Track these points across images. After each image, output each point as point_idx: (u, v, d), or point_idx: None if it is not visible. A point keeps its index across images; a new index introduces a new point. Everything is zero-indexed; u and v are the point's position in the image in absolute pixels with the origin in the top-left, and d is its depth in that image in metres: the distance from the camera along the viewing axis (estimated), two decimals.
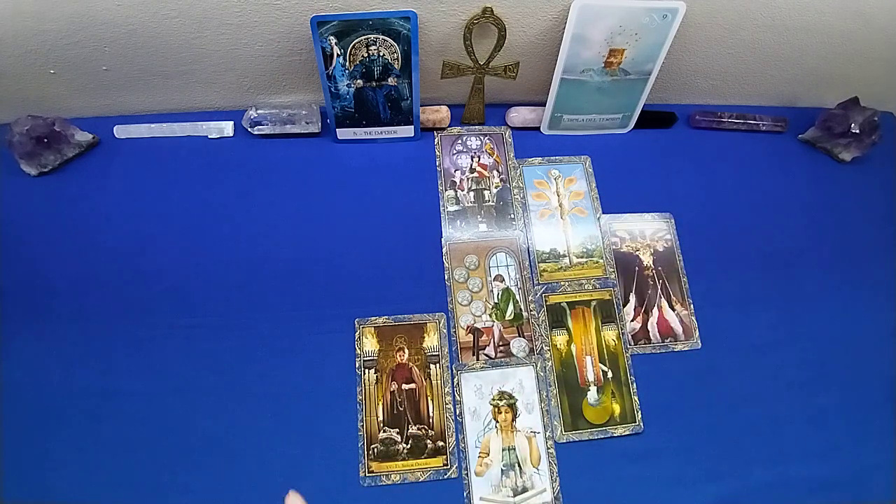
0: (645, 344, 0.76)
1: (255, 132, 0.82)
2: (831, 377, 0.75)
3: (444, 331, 0.74)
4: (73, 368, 0.69)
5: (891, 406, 0.74)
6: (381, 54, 0.72)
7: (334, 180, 0.81)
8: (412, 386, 0.71)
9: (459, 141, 0.86)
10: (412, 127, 0.83)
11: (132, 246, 0.76)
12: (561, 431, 0.70)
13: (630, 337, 0.76)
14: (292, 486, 0.65)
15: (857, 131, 0.84)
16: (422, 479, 0.67)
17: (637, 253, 0.81)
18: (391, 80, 0.76)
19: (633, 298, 0.78)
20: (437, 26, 0.72)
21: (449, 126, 0.86)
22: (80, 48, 0.71)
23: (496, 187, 0.83)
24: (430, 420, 0.70)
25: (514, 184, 0.84)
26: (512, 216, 0.82)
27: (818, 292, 0.80)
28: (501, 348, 0.74)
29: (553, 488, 0.67)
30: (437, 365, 0.72)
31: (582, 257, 0.80)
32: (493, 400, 0.71)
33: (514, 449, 0.69)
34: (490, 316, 0.76)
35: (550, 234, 0.81)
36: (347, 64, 0.73)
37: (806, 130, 0.90)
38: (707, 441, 0.70)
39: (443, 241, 0.79)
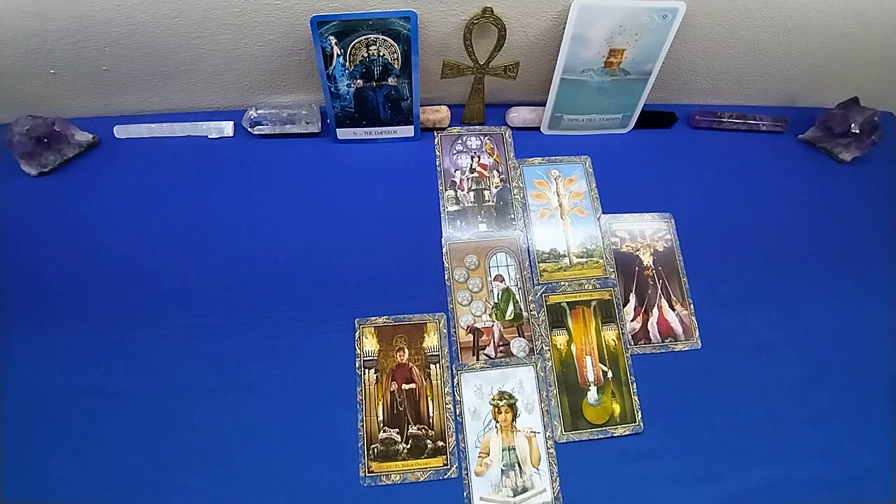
0: (645, 344, 0.76)
1: (255, 132, 0.82)
2: (831, 377, 0.75)
3: (444, 331, 0.74)
4: (73, 368, 0.69)
5: (890, 406, 0.74)
6: (381, 54, 0.72)
7: (334, 180, 0.81)
8: (412, 386, 0.71)
9: (459, 141, 0.86)
10: (412, 127, 0.83)
11: (132, 246, 0.76)
12: (561, 431, 0.70)
13: (630, 337, 0.76)
14: (292, 486, 0.66)
15: (857, 131, 0.84)
16: (422, 479, 0.67)
17: (637, 253, 0.81)
18: (391, 80, 0.76)
19: (633, 298, 0.78)
20: (437, 26, 0.72)
21: (449, 126, 0.86)
22: (80, 48, 0.71)
23: (496, 187, 0.83)
24: (430, 420, 0.70)
25: (514, 184, 0.84)
26: (512, 216, 0.82)
27: (818, 292, 0.80)
28: (501, 348, 0.74)
29: (553, 488, 0.67)
30: (437, 365, 0.72)
31: (582, 257, 0.80)
32: (493, 400, 0.71)
33: (514, 449, 0.69)
34: (490, 316, 0.76)
35: (550, 234, 0.81)
36: (347, 64, 0.73)
37: (806, 130, 0.90)
38: (707, 441, 0.70)
39: (443, 241, 0.79)
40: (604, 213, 0.83)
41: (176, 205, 0.78)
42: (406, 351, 0.73)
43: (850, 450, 0.71)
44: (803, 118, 0.91)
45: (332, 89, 0.76)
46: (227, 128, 0.83)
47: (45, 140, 0.76)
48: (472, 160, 0.85)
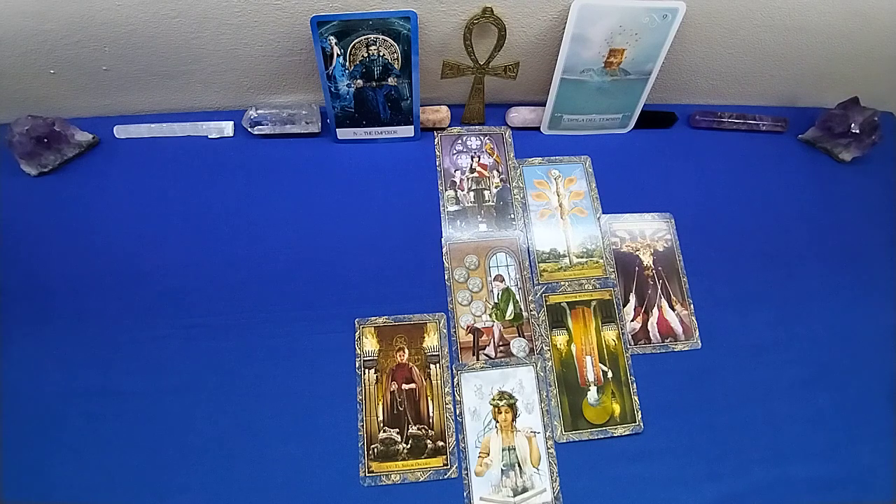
0: (645, 344, 0.76)
1: (255, 132, 0.82)
2: (831, 377, 0.75)
3: (444, 331, 0.74)
4: (73, 368, 0.69)
5: (890, 406, 0.74)
6: (381, 54, 0.72)
7: (334, 180, 0.81)
8: (412, 386, 0.71)
9: (459, 141, 0.86)
10: (412, 127, 0.83)
11: (132, 246, 0.76)
12: (561, 431, 0.70)
13: (630, 337, 0.76)
14: (292, 486, 0.66)
15: (857, 131, 0.84)
16: (422, 479, 0.67)
17: (637, 253, 0.81)
18: (391, 80, 0.76)
19: (633, 298, 0.78)
20: (437, 26, 0.72)
21: (449, 126, 0.86)
22: (80, 48, 0.71)
23: (496, 187, 0.83)
24: (430, 420, 0.70)
25: (514, 184, 0.84)
26: (512, 216, 0.82)
27: (818, 292, 0.80)
28: (501, 348, 0.74)
29: (553, 488, 0.67)
30: (437, 365, 0.72)
31: (582, 257, 0.80)
32: (493, 400, 0.71)
33: (514, 449, 0.69)
34: (490, 316, 0.76)
35: (550, 234, 0.81)
36: (347, 64, 0.73)
37: (806, 130, 0.90)
38: (707, 441, 0.70)
39: (443, 241, 0.79)
40: (604, 213, 0.83)
41: (176, 205, 0.78)
42: (406, 351, 0.73)
43: (850, 450, 0.71)
44: (803, 118, 0.91)
45: (332, 89, 0.76)
46: (227, 128, 0.83)
47: (45, 140, 0.76)
48: (472, 160, 0.85)
